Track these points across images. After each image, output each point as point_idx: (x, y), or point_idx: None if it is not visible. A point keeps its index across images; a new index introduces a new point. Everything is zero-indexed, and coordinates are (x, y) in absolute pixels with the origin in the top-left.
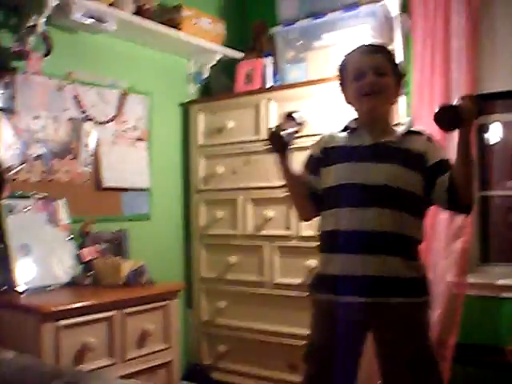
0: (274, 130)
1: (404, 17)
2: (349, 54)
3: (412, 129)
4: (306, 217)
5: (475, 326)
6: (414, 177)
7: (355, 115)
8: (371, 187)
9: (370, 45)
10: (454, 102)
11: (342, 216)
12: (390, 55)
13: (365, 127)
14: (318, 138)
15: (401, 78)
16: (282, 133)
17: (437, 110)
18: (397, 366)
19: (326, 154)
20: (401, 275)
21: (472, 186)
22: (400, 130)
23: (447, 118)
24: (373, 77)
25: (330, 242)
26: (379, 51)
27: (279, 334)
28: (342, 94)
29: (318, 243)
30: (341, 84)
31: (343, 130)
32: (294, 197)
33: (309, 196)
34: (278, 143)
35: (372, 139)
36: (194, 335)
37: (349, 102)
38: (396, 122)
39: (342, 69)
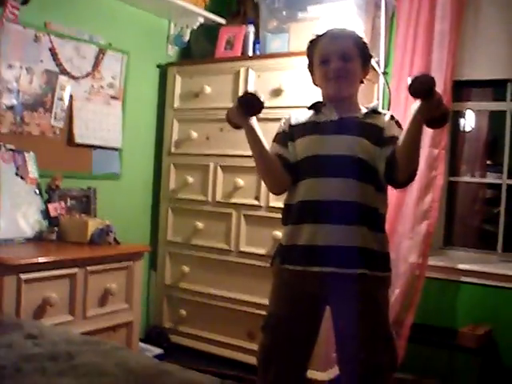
0: (252, 91)
1: None
2: (315, 38)
3: (377, 109)
4: (278, 189)
5: (433, 307)
6: (376, 151)
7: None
8: (335, 157)
9: (336, 30)
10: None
11: (308, 187)
12: (356, 39)
13: (331, 105)
14: (285, 117)
15: (368, 60)
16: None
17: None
18: (353, 341)
19: (293, 131)
20: (368, 246)
21: (412, 164)
22: (366, 109)
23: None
24: (338, 62)
25: (297, 213)
26: (345, 36)
27: (241, 301)
28: (311, 76)
29: (282, 216)
30: (309, 67)
31: (310, 108)
32: (266, 168)
33: (283, 166)
34: (256, 105)
35: (338, 115)
36: (157, 298)
37: (316, 84)
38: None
39: (310, 53)
